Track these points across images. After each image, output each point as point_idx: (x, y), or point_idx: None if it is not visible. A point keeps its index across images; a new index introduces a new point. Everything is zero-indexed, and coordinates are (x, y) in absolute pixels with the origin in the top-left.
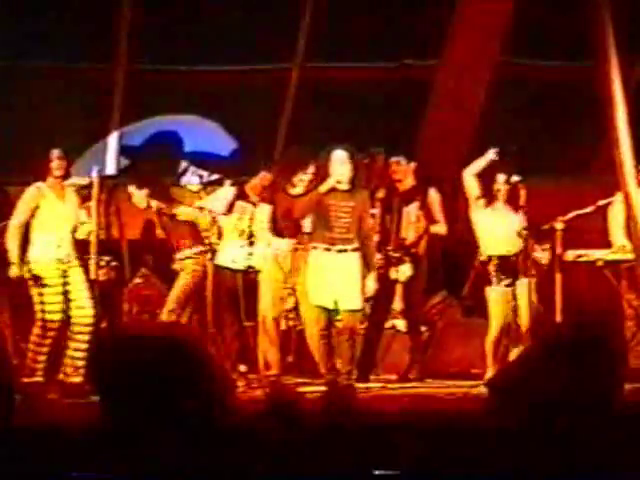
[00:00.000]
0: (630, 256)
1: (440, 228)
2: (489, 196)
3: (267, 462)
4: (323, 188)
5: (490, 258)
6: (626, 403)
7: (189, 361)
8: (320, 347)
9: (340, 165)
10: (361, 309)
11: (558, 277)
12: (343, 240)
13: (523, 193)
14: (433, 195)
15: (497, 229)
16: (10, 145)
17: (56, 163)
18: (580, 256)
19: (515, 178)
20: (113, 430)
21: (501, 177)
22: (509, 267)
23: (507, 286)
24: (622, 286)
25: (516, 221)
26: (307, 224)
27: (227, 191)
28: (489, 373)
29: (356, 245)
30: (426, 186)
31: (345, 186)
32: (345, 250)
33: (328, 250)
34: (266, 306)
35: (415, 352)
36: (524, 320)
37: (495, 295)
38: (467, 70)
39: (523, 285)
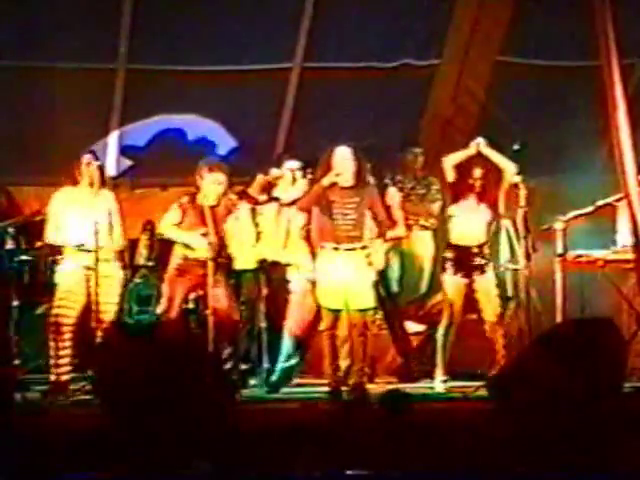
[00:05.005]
0: (630, 256)
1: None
2: (464, 189)
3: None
4: (326, 181)
5: (450, 246)
6: (626, 402)
7: (190, 361)
8: (326, 347)
9: (342, 161)
10: (373, 307)
11: (558, 277)
12: (350, 238)
13: (523, 193)
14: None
15: (464, 222)
16: (10, 146)
17: (92, 167)
18: (580, 256)
19: (515, 178)
20: (113, 430)
21: (477, 171)
22: (466, 259)
23: (462, 277)
24: (622, 285)
25: (484, 216)
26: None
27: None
28: (440, 368)
29: (364, 243)
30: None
31: (349, 182)
32: (353, 249)
33: (336, 249)
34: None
35: (405, 353)
36: (488, 315)
37: (449, 284)
38: (467, 70)
39: (484, 280)
